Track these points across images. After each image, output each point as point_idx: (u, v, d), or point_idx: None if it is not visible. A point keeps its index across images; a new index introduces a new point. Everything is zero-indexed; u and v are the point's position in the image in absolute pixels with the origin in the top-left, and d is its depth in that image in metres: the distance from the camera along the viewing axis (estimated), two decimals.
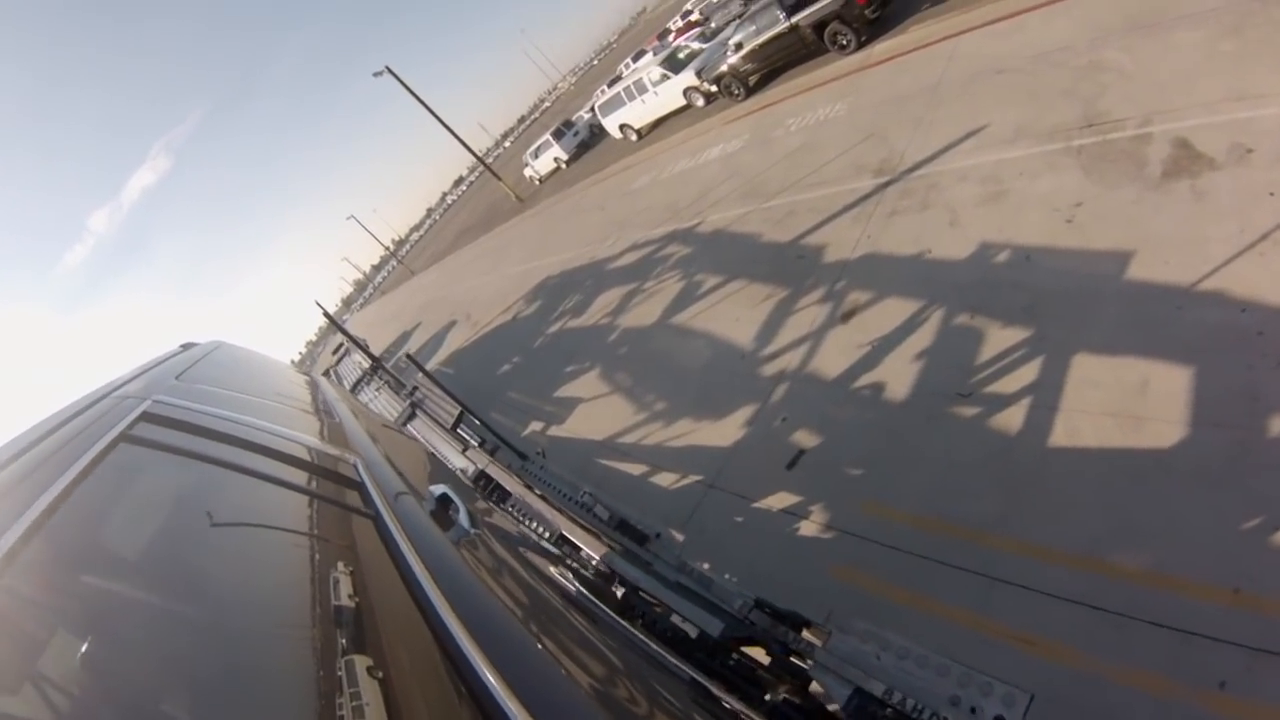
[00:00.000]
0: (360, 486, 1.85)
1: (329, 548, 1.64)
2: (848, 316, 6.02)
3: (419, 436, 4.23)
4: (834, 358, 5.68)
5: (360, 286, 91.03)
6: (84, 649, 1.04)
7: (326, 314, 8.54)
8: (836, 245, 6.94)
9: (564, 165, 26.91)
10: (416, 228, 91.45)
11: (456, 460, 3.61)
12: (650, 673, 1.93)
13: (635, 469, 6.13)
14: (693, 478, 5.53)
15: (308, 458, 2.09)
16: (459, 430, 4.08)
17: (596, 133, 27.27)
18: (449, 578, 1.35)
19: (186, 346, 3.31)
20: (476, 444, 3.96)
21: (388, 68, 26.92)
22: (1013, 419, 4.22)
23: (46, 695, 0.97)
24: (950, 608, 3.55)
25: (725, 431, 5.72)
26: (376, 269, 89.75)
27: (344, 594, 1.23)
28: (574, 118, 28.38)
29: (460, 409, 3.76)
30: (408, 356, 6.76)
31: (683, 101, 17.23)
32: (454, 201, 78.27)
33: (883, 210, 6.88)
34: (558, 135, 26.88)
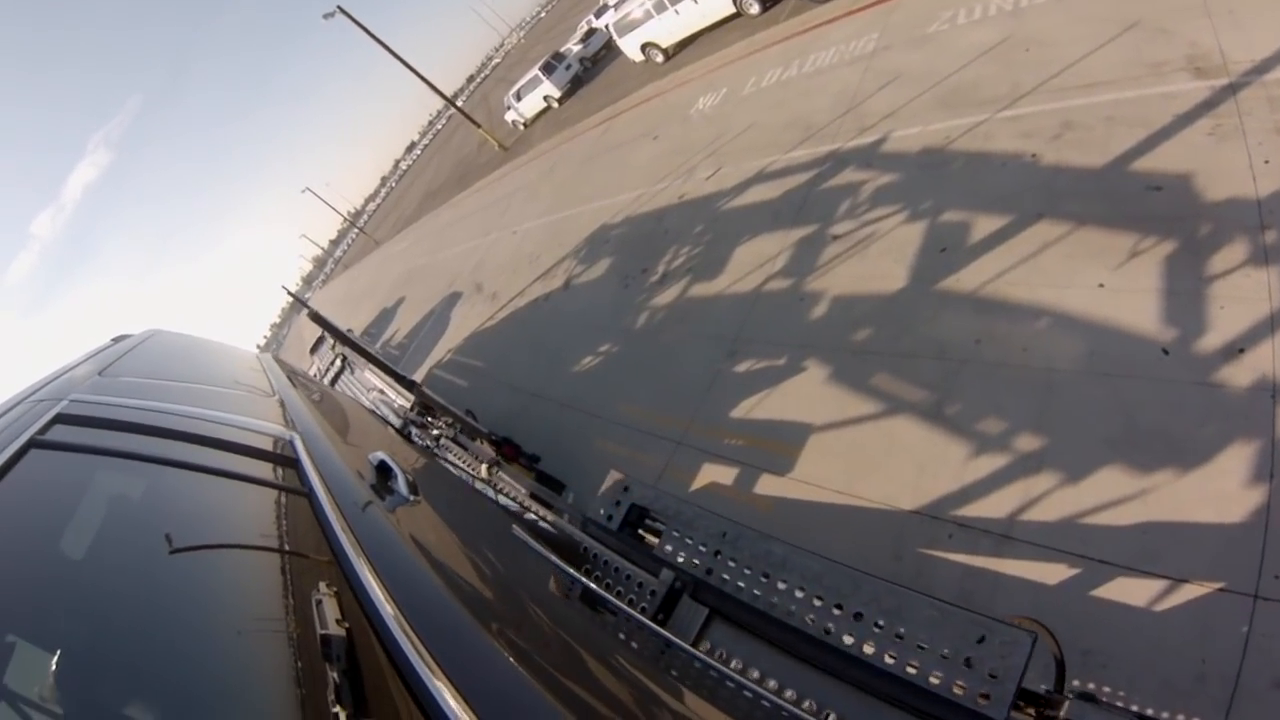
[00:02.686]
0: (295, 464, 1.80)
1: (259, 530, 1.59)
2: None
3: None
4: None
5: (320, 263, 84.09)
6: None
7: (315, 315, 4.64)
8: (1210, 173, 4.34)
9: (556, 104, 23.42)
10: (372, 197, 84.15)
11: None
12: (617, 639, 1.76)
13: (1034, 570, 3.41)
14: (1204, 585, 2.93)
15: (242, 440, 1.95)
16: None
17: (589, 66, 23.87)
18: (384, 559, 1.28)
19: (118, 339, 3.13)
20: None
21: (339, 7, 23.63)
22: None
23: None
24: None
25: (1222, 491, 3.12)
26: (335, 243, 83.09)
27: (276, 581, 1.24)
28: (564, 49, 24.64)
29: None
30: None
31: (730, 10, 14.06)
32: (410, 166, 71.59)
33: (1259, 124, 4.38)
34: (547, 70, 23.20)
